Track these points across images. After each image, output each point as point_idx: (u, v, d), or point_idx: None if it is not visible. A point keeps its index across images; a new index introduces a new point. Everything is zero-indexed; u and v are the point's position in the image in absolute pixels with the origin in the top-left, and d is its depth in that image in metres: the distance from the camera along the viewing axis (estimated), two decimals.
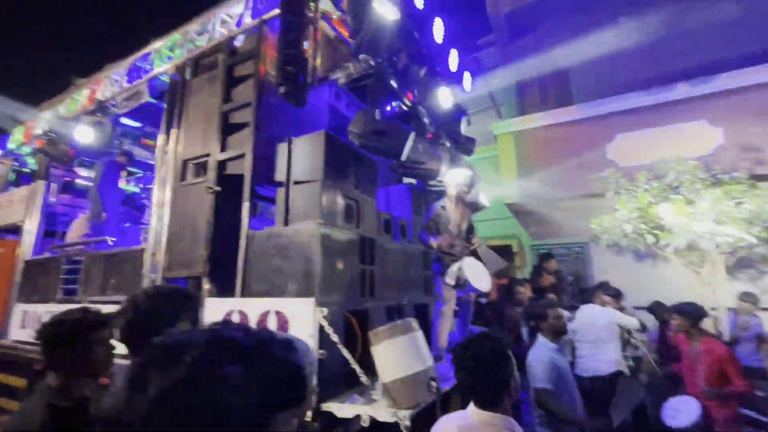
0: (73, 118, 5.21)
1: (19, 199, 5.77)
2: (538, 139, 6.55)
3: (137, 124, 5.78)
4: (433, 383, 2.34)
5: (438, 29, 4.07)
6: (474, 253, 3.58)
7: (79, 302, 4.13)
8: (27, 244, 5.29)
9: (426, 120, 3.47)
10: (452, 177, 3.57)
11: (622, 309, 3.99)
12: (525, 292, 4.07)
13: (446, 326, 3.67)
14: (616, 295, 4.01)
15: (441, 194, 4.30)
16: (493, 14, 7.39)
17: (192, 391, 0.45)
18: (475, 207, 3.83)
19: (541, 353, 2.80)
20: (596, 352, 3.62)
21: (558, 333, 2.81)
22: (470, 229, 3.76)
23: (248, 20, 3.64)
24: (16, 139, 6.43)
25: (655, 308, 4.72)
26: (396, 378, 2.31)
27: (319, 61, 3.22)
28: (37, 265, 5.00)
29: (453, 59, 4.45)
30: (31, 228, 5.37)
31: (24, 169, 6.55)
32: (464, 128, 4.66)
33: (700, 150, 5.12)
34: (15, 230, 5.59)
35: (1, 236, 5.94)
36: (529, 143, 6.61)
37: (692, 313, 3.25)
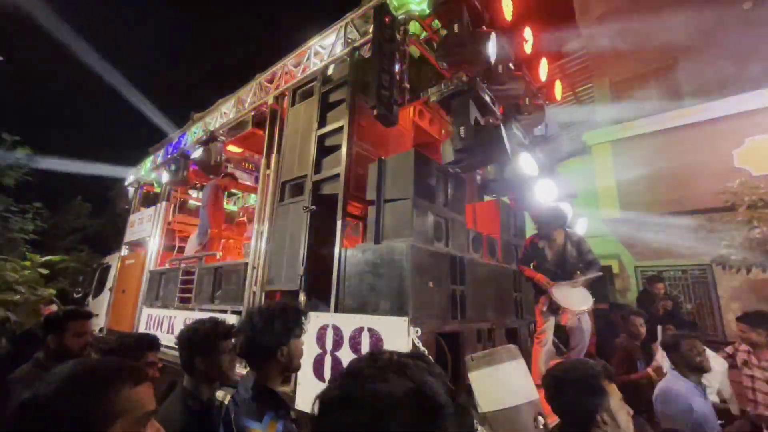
0: (190, 148, 6.02)
1: (147, 218, 6.79)
2: (642, 148, 5.83)
3: (239, 150, 6.46)
4: (541, 418, 2.13)
5: (528, 39, 3.92)
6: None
7: (192, 309, 4.65)
8: (151, 256, 6.17)
9: (519, 132, 3.31)
10: (544, 214, 3.43)
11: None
12: (642, 324, 3.55)
13: (543, 355, 3.38)
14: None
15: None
16: (583, 19, 6.93)
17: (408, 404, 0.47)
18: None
19: (669, 387, 2.39)
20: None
21: (695, 369, 2.38)
22: (583, 256, 3.50)
23: (340, 49, 3.88)
24: (145, 167, 7.64)
25: None
26: (497, 409, 2.14)
27: (407, 81, 3.29)
28: (159, 274, 5.76)
29: (543, 68, 4.25)
30: (154, 243, 6.26)
31: (150, 193, 7.72)
32: (556, 138, 4.37)
33: None
34: (144, 244, 6.56)
35: (134, 250, 7.03)
36: (630, 152, 5.91)
37: None
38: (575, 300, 3.34)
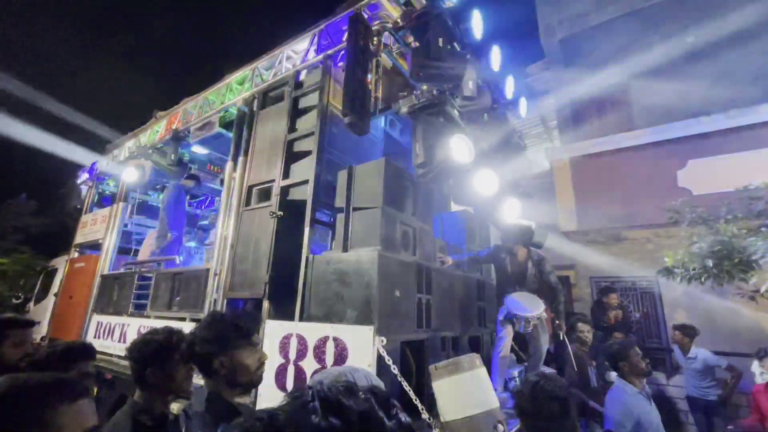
0: (152, 147, 5.76)
1: (101, 219, 6.39)
2: (598, 166, 6.22)
3: (205, 151, 6.25)
4: (500, 426, 2.19)
5: (495, 57, 4.08)
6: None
7: (147, 317, 4.41)
8: (105, 260, 5.80)
9: (485, 145, 3.43)
10: (514, 229, 3.56)
11: None
12: (589, 330, 3.75)
13: (503, 364, 3.48)
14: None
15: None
16: (547, 41, 7.33)
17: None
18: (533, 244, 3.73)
19: (617, 397, 2.54)
20: None
21: (642, 374, 2.55)
22: (545, 278, 3.64)
23: (313, 55, 3.87)
24: (101, 164, 7.20)
25: None
26: (459, 418, 2.18)
27: (380, 91, 3.33)
28: (112, 279, 5.43)
29: (509, 86, 4.43)
30: (109, 245, 5.89)
31: (106, 191, 7.28)
32: (520, 152, 4.57)
33: None
34: (97, 246, 6.16)
35: (85, 252, 6.58)
36: (587, 170, 6.30)
37: None
38: (526, 306, 3.48)
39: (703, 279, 4.24)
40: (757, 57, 5.88)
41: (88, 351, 1.88)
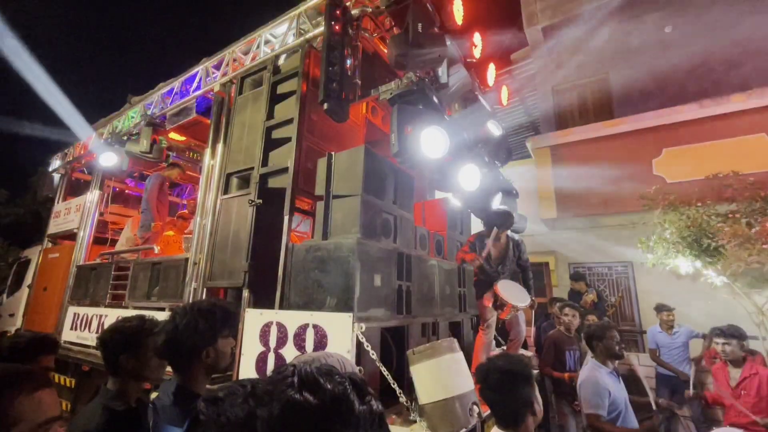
0: (127, 133, 5.57)
1: (75, 208, 6.19)
2: (577, 154, 6.33)
3: (183, 138, 6.09)
4: (475, 407, 2.25)
5: (477, 44, 4.07)
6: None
7: (125, 307, 4.33)
8: (80, 250, 5.64)
9: (465, 134, 3.44)
10: (491, 216, 3.61)
11: None
12: (573, 315, 3.88)
13: (485, 347, 3.55)
14: None
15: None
16: (529, 28, 7.33)
17: None
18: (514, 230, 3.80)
19: (590, 376, 2.65)
20: None
21: (613, 356, 2.66)
22: (521, 257, 3.73)
23: (291, 40, 3.78)
24: (73, 152, 6.94)
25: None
26: (435, 400, 2.24)
27: (358, 77, 3.28)
28: (88, 269, 5.30)
29: (490, 73, 4.43)
30: (84, 235, 5.73)
31: (81, 180, 7.03)
32: (501, 140, 4.59)
33: (760, 166, 4.75)
34: (71, 236, 5.98)
35: (59, 243, 6.38)
36: (567, 158, 6.39)
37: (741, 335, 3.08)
38: (517, 296, 3.56)
39: (672, 263, 4.42)
40: (730, 48, 6.02)
41: (50, 345, 1.84)
